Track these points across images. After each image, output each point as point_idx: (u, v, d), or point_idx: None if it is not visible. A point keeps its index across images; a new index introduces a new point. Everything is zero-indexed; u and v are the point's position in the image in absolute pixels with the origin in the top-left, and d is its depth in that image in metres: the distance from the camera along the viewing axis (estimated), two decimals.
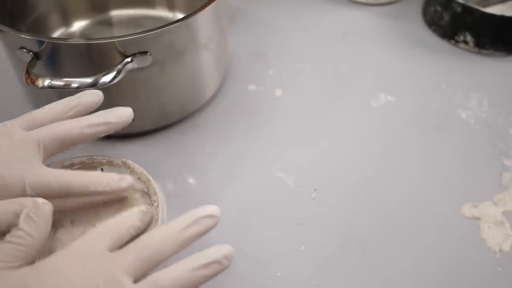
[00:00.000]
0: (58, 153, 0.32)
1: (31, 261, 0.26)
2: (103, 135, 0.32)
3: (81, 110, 0.32)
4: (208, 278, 0.26)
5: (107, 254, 0.26)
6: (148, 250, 0.25)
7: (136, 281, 0.25)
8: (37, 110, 0.32)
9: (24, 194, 0.29)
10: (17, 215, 0.27)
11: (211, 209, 0.27)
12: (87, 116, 0.32)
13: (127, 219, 0.27)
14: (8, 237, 0.25)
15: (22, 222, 0.26)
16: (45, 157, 0.31)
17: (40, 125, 0.31)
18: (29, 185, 0.29)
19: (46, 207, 0.26)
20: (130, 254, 0.25)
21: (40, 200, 0.27)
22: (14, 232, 0.25)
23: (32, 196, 0.29)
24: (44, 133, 0.31)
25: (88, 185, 0.31)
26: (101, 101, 0.33)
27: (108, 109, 0.32)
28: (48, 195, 0.29)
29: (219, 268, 0.26)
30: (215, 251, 0.26)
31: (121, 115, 0.32)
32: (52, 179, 0.30)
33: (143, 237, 0.26)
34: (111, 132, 0.32)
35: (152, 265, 0.26)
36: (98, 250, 0.26)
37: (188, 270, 0.25)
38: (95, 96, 0.33)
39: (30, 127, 0.31)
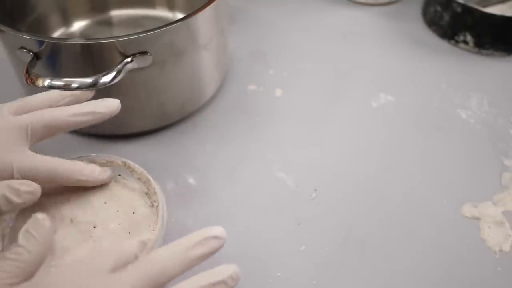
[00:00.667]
0: (46, 138, 0.32)
1: (29, 277, 0.25)
2: (90, 124, 0.32)
3: (73, 101, 0.33)
4: None
5: (110, 274, 0.25)
6: (153, 269, 0.25)
7: None
8: (29, 97, 0.33)
9: (10, 177, 0.29)
10: (5, 199, 0.27)
11: (217, 230, 0.26)
12: (77, 105, 0.32)
13: (129, 247, 0.27)
14: (7, 254, 0.25)
15: (21, 238, 0.25)
16: (32, 142, 0.31)
17: (30, 111, 0.32)
18: (16, 168, 0.29)
19: (46, 222, 0.26)
20: (135, 272, 0.25)
21: (40, 215, 0.26)
22: (13, 248, 0.25)
23: (18, 178, 0.29)
24: (31, 118, 0.31)
25: (72, 172, 0.32)
26: (93, 94, 0.34)
27: (97, 100, 0.33)
28: (34, 179, 0.29)
29: None
30: (222, 271, 0.25)
31: (109, 105, 0.33)
32: (39, 163, 0.30)
33: (149, 256, 0.26)
34: (98, 122, 0.32)
35: (156, 284, 0.25)
36: (101, 269, 0.25)
37: None
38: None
39: (19, 113, 0.32)
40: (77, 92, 0.34)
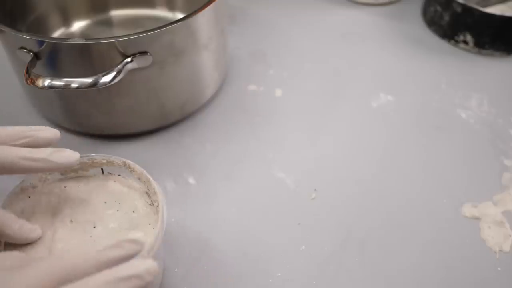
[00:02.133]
0: None
1: None
2: (42, 172, 0.31)
3: (32, 142, 0.31)
4: None
5: (6, 272, 0.24)
6: (59, 267, 0.24)
7: None
8: None
9: None
10: None
11: (136, 235, 0.26)
12: (31, 149, 0.30)
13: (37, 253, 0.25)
14: None
15: None
16: None
17: None
18: None
19: None
20: (39, 269, 0.23)
21: None
22: None
23: None
24: None
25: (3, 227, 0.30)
26: (57, 139, 0.31)
27: (56, 148, 0.30)
28: None
29: (139, 283, 0.23)
30: (137, 265, 0.24)
31: (66, 156, 0.30)
32: None
33: (56, 253, 0.25)
34: (51, 171, 0.30)
35: (63, 281, 0.23)
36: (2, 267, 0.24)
37: (100, 283, 0.23)
38: (52, 133, 0.31)
39: None
40: (39, 134, 0.31)
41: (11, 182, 0.32)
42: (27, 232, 0.31)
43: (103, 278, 0.23)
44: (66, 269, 0.24)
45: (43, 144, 0.31)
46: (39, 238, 0.31)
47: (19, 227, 0.30)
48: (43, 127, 0.31)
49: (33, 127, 0.31)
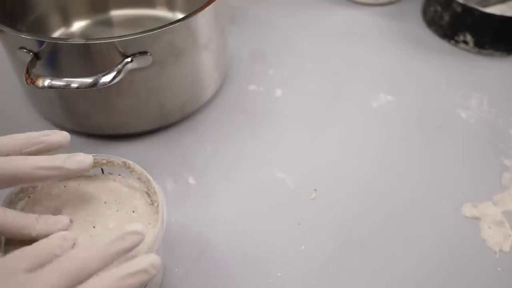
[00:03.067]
0: (2, 188, 0.30)
1: None
2: (57, 180, 0.31)
3: (44, 148, 0.31)
4: (134, 287, 0.25)
5: (27, 274, 0.25)
6: (72, 265, 0.25)
7: None
8: None
9: None
10: None
11: (137, 226, 0.27)
12: (45, 157, 0.30)
13: (46, 245, 0.26)
14: None
15: None
16: None
17: None
18: None
19: None
20: (53, 270, 0.25)
21: None
22: None
23: None
24: None
25: (23, 227, 0.30)
26: (68, 142, 0.31)
27: (69, 154, 0.30)
28: None
29: (146, 277, 0.25)
30: (142, 260, 0.26)
31: (80, 161, 0.30)
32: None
33: (69, 253, 0.26)
34: (66, 177, 0.31)
35: (77, 280, 0.25)
36: (15, 270, 0.25)
37: (113, 280, 0.25)
38: (62, 136, 0.31)
39: None
40: (50, 139, 0.31)
41: None
42: (53, 227, 0.30)
43: (115, 274, 0.25)
44: (80, 267, 0.25)
45: (54, 148, 0.31)
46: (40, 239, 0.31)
47: (43, 224, 0.30)
48: (53, 131, 0.31)
49: (43, 132, 0.31)
